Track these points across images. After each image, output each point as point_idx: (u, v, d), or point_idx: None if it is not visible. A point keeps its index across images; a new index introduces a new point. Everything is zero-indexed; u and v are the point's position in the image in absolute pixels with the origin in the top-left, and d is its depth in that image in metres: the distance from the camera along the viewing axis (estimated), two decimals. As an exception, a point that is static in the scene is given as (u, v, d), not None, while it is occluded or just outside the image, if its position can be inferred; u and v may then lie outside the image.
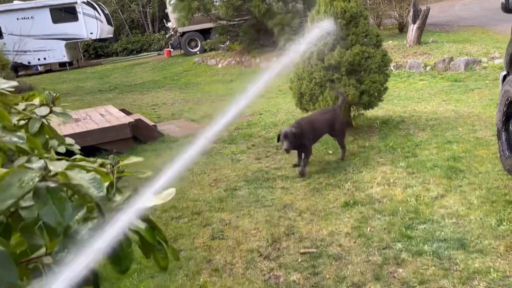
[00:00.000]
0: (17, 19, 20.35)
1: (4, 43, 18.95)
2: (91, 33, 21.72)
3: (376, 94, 5.87)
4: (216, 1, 15.79)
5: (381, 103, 6.41)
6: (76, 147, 1.92)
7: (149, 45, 25.94)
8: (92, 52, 26.80)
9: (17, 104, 1.77)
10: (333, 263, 3.17)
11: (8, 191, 1.05)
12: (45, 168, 1.10)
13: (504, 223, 3.40)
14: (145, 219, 1.24)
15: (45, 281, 1.32)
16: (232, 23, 16.42)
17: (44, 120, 1.77)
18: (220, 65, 15.93)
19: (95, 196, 1.12)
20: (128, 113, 8.02)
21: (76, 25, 21.39)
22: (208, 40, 17.58)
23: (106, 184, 1.28)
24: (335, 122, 5.20)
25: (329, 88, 5.76)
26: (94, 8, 21.37)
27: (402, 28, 14.60)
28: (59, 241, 1.20)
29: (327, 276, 3.02)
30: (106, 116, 7.26)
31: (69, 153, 1.62)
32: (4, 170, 1.27)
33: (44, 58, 21.53)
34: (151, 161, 5.76)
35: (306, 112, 6.31)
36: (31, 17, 20.47)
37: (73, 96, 13.26)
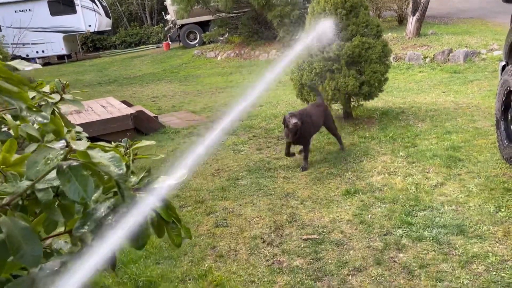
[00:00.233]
0: (15, 11, 20.26)
1: (3, 36, 18.89)
2: (90, 26, 21.64)
3: (376, 84, 5.91)
4: (215, -7, 15.77)
5: (381, 94, 6.46)
6: (84, 135, 1.97)
7: (147, 37, 25.84)
8: (90, 45, 26.69)
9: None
10: (335, 248, 3.24)
11: (34, 168, 1.10)
12: (68, 146, 1.14)
13: (502, 210, 3.47)
14: (161, 198, 1.29)
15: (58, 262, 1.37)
16: (231, 15, 16.40)
17: (54, 108, 1.82)
18: (219, 58, 15.93)
19: (115, 174, 1.17)
20: (129, 104, 8.06)
21: (74, 18, 21.30)
22: (207, 33, 17.55)
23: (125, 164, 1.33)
24: (327, 114, 5.25)
25: (329, 79, 5.81)
26: (92, 1, 21.27)
27: (401, 20, 14.61)
28: (79, 219, 1.26)
29: (329, 261, 3.09)
30: (108, 107, 7.30)
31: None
32: (17, 156, 1.33)
33: (43, 51, 21.46)
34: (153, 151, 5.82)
35: (306, 103, 6.36)
36: (29, 9, 20.38)
37: (73, 89, 13.12)
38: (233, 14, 16.33)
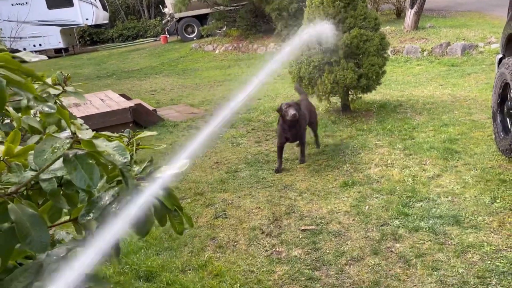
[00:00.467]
0: (12, 4, 20.14)
1: (0, 29, 18.80)
2: (87, 19, 21.54)
3: (374, 77, 5.94)
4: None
5: (379, 87, 6.49)
6: (85, 127, 2.00)
7: (145, 31, 25.74)
8: (87, 38, 26.58)
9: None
10: (332, 239, 3.29)
11: (41, 156, 1.13)
12: (74, 136, 1.18)
13: (498, 201, 3.52)
14: (164, 187, 1.33)
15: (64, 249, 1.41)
16: (229, 8, 16.34)
17: (57, 100, 1.85)
18: (217, 51, 15.91)
19: (120, 163, 1.20)
20: (128, 98, 8.07)
21: (72, 11, 21.19)
22: (205, 26, 17.49)
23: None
24: (314, 111, 5.27)
25: (327, 72, 5.84)
26: (89, -6, 21.18)
27: (399, 14, 14.59)
28: (84, 206, 1.29)
29: (327, 251, 3.14)
30: (106, 101, 7.31)
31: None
32: (20, 147, 1.36)
33: (40, 45, 21.37)
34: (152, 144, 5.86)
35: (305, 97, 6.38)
36: (26, 2, 20.26)
37: (71, 82, 13.22)
38: (231, 7, 16.28)
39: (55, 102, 1.87)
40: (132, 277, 3.03)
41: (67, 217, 1.48)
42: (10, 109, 1.58)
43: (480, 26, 11.59)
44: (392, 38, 11.05)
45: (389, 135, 5.32)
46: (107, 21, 24.08)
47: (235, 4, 16.04)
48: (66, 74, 2.00)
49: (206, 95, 9.19)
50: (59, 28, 21.21)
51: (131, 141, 1.57)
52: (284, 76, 9.68)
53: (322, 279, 2.84)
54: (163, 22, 22.77)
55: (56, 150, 1.14)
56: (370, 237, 3.25)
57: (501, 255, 2.88)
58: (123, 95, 8.14)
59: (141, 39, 24.82)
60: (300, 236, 3.37)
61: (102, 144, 1.20)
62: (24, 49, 21.48)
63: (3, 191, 1.16)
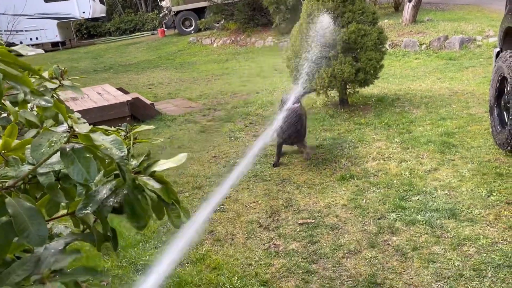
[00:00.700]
0: (8, -3, 20.00)
1: (-3, 22, 18.69)
2: (84, 12, 21.42)
3: (372, 71, 5.94)
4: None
5: (377, 81, 6.49)
6: (83, 121, 2.00)
7: (142, 24, 25.63)
8: (84, 31, 26.47)
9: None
10: (330, 232, 3.31)
11: (39, 150, 1.13)
12: (71, 129, 1.18)
13: (494, 194, 3.54)
14: (160, 180, 1.33)
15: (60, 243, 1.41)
16: (227, 1, 16.28)
17: (54, 94, 1.84)
18: (215, 45, 15.86)
19: (117, 157, 1.20)
20: (125, 92, 8.06)
21: (68, 4, 21.07)
22: (203, 19, 17.43)
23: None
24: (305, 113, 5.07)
25: (325, 66, 5.83)
26: (86, -13, 21.04)
27: (397, 7, 14.56)
28: (82, 200, 1.30)
29: (325, 244, 3.16)
30: (104, 95, 7.30)
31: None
32: (17, 141, 1.36)
33: (36, 38, 21.26)
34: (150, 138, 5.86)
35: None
36: (23, -5, 20.13)
37: (69, 76, 13.18)
38: (229, 1, 16.21)
39: (52, 96, 1.87)
40: (130, 270, 3.04)
41: (65, 211, 1.48)
42: (7, 103, 1.57)
43: (478, 19, 11.58)
44: (390, 32, 11.03)
45: (387, 129, 5.33)
46: (104, 15, 23.95)
47: (233, -3, 15.98)
48: (63, 68, 2.00)
49: (203, 89, 9.17)
50: (56, 21, 21.10)
51: (128, 135, 1.57)
52: (282, 70, 9.67)
53: (319, 272, 2.86)
54: (161, 15, 22.67)
55: (53, 144, 1.14)
56: (367, 230, 3.27)
57: (497, 248, 2.90)
58: (120, 89, 8.12)
59: (139, 33, 24.72)
60: (298, 230, 3.39)
61: (99, 138, 1.20)
62: (21, 42, 21.35)
63: (0, 185, 1.16)
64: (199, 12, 19.24)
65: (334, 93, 6.53)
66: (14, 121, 1.54)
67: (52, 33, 21.30)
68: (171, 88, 9.70)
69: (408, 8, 11.79)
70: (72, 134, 1.19)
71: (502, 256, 2.79)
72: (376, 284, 2.69)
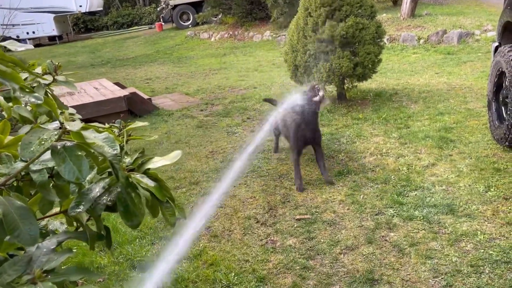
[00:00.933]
0: (4, -9, 19.83)
1: (-7, 16, 18.54)
2: (81, 6, 21.27)
3: (370, 66, 5.91)
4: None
5: (375, 76, 6.47)
6: (78, 116, 1.97)
7: (140, 18, 25.47)
8: (81, 25, 26.30)
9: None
10: (327, 228, 3.30)
11: (28, 148, 1.10)
12: (62, 127, 1.15)
13: (492, 189, 3.53)
14: (154, 178, 1.31)
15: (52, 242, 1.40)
16: (224, -5, 16.17)
17: (47, 89, 1.82)
18: (213, 39, 15.79)
19: (109, 155, 1.18)
20: (122, 86, 8.01)
21: (65, -2, 20.94)
22: (201, 13, 17.32)
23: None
24: None
25: (323, 60, 5.80)
26: (83, -20, 20.88)
27: (396, 1, 14.49)
28: (74, 198, 1.27)
29: (322, 240, 3.15)
30: (101, 89, 7.25)
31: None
32: (11, 138, 1.34)
33: (33, 32, 21.12)
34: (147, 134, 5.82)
35: (300, 85, 6.35)
36: (19, -11, 19.96)
37: (65, 70, 13.05)
38: (227, -5, 16.11)
39: (46, 92, 1.84)
40: (127, 267, 3.03)
41: (60, 208, 1.46)
42: (1, 98, 1.55)
43: (477, 13, 11.54)
44: (389, 26, 10.99)
45: (385, 124, 5.31)
46: (101, 8, 23.79)
47: (231, -9, 15.87)
48: (57, 63, 1.97)
49: (201, 84, 9.13)
50: (53, 15, 20.95)
51: (122, 132, 1.54)
52: (280, 65, 9.63)
53: (317, 268, 2.85)
54: (158, 9, 22.53)
55: (43, 142, 1.12)
56: (364, 226, 3.26)
57: (494, 243, 2.89)
58: (117, 84, 8.08)
59: (136, 27, 24.58)
60: (295, 225, 3.37)
61: (91, 136, 1.17)
62: (18, 36, 21.22)
63: (-9, 183, 1.13)
64: (197, 6, 19.13)
65: (332, 88, 6.50)
66: (7, 117, 1.51)
67: (49, 27, 21.16)
68: (169, 83, 9.65)
69: (406, 2, 11.73)
70: (64, 132, 1.16)
71: (500, 252, 2.79)
72: (373, 280, 2.68)
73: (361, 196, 3.69)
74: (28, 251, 1.23)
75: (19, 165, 1.25)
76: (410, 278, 2.66)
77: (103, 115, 6.28)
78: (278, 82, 8.37)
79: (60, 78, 1.89)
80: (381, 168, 4.16)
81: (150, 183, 1.29)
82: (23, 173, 1.34)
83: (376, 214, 3.40)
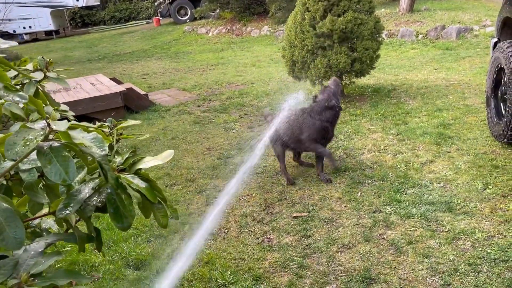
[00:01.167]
0: (0, -15, 19.66)
1: (-12, 11, 18.38)
2: (77, 1, 21.12)
3: (368, 61, 5.87)
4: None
5: (373, 72, 6.43)
6: (71, 113, 1.93)
7: (137, 13, 25.32)
8: (78, 20, 26.12)
9: (9, 70, 1.77)
10: (324, 226, 3.27)
11: (13, 149, 1.06)
12: (48, 127, 1.11)
13: (490, 187, 3.51)
14: (146, 179, 1.28)
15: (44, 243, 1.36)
16: (222, -10, 16.06)
17: (38, 86, 1.77)
18: (210, 34, 15.70)
19: (97, 155, 1.14)
20: (119, 82, 7.95)
21: (62, -8, 20.79)
22: (198, 8, 17.21)
23: (107, 144, 1.30)
24: None
25: (321, 56, 5.76)
26: (80, -26, 20.72)
27: (394, -4, 14.41)
28: (62, 200, 1.24)
29: (319, 238, 3.13)
30: (97, 85, 7.19)
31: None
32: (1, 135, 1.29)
33: (30, 27, 20.98)
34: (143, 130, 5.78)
35: (298, 81, 6.31)
36: (15, -17, 19.79)
37: (61, 65, 13.04)
38: (225, -11, 16.00)
39: (37, 88, 1.80)
40: (122, 265, 3.00)
41: (48, 209, 1.43)
42: (-10, 95, 1.50)
43: (476, 8, 11.49)
44: (387, 21, 10.94)
45: (383, 120, 5.28)
46: (98, 3, 23.63)
47: (229, -14, 15.76)
48: (48, 59, 1.92)
49: (198, 79, 9.08)
50: (49, 9, 20.80)
51: (112, 130, 1.50)
52: (278, 60, 9.58)
53: (313, 267, 2.83)
54: (156, 4, 22.39)
55: (28, 143, 1.08)
56: (361, 224, 3.23)
57: (492, 242, 2.87)
58: (114, 79, 8.02)
59: (134, 21, 24.43)
60: (292, 223, 3.35)
61: (78, 136, 1.14)
62: (14, 31, 21.09)
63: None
64: (195, 1, 19.01)
65: (330, 84, 6.45)
66: (-2, 114, 1.47)
67: (45, 22, 21.02)
68: (166, 78, 9.59)
69: (405, -3, 11.67)
70: (50, 132, 1.12)
71: (498, 250, 2.76)
72: (370, 279, 2.66)
73: (359, 194, 3.67)
74: (15, 254, 1.20)
75: (8, 164, 1.21)
76: (407, 277, 2.64)
77: (99, 111, 6.23)
78: (276, 78, 8.32)
79: (51, 74, 1.85)
80: (378, 165, 4.13)
81: (141, 184, 1.25)
82: (12, 172, 1.30)
83: (373, 212, 3.38)
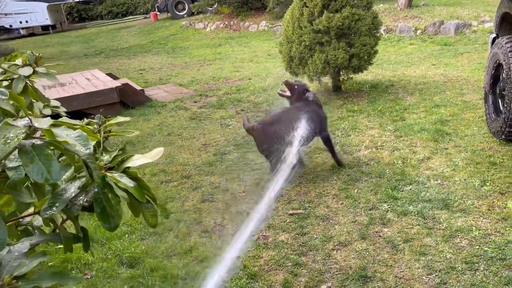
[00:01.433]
0: (-4, -21, 19.53)
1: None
2: (74, -5, 21.02)
3: (366, 57, 5.83)
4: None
5: (371, 67, 6.39)
6: (62, 109, 1.89)
7: (134, 8, 25.18)
8: (75, 15, 25.98)
9: (-2, 66, 1.73)
10: (320, 223, 3.24)
11: (-8, 147, 1.02)
12: (30, 125, 1.07)
13: (487, 184, 3.48)
14: (134, 177, 1.24)
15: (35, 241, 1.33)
16: (220, -15, 15.96)
17: (27, 81, 1.73)
18: (208, 29, 15.61)
19: (82, 154, 1.10)
20: (115, 77, 7.89)
21: (58, -14, 20.65)
22: (196, 3, 17.12)
23: (93, 142, 1.26)
24: None
25: (318, 52, 5.71)
26: (77, -32, 20.57)
27: (393, -9, 14.34)
28: (48, 199, 1.20)
29: (315, 236, 3.10)
30: (93, 80, 7.13)
31: (55, 117, 1.60)
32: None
33: (26, 21, 20.85)
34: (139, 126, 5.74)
35: (295, 76, 6.27)
36: (11, -23, 19.66)
37: (58, 60, 12.95)
38: (222, -16, 15.90)
39: (26, 84, 1.76)
40: (115, 263, 2.96)
41: (33, 208, 1.39)
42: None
43: (474, 4, 11.43)
44: (386, 17, 10.88)
45: (380, 116, 5.24)
46: (95, -3, 23.51)
47: (226, -19, 15.66)
48: (38, 54, 1.88)
49: (195, 75, 9.02)
50: (46, 4, 20.68)
51: (100, 128, 1.46)
52: (275, 55, 9.52)
53: (309, 265, 2.80)
54: (153, -2, 22.27)
55: (9, 141, 1.04)
56: (358, 221, 3.21)
57: (489, 239, 2.84)
58: (109, 75, 7.95)
59: (131, 16, 24.31)
60: (288, 221, 3.31)
61: (62, 134, 1.10)
62: (10, 26, 20.96)
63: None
64: (192, -4, 18.91)
65: (327, 80, 6.41)
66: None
67: (42, 16, 20.89)
68: (162, 74, 9.53)
69: (403, -8, 11.60)
70: (34, 130, 1.08)
71: (495, 248, 2.74)
72: (366, 277, 2.63)
73: (355, 191, 3.63)
74: (-2, 255, 1.16)
75: (-10, 162, 1.17)
76: (403, 275, 2.61)
77: (94, 106, 6.17)
78: (273, 73, 8.27)
79: (40, 69, 1.80)
80: (376, 162, 4.09)
81: (129, 183, 1.21)
82: (-1, 170, 1.26)
83: (370, 209, 3.35)
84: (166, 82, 8.59)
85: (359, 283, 2.60)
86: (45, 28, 21.90)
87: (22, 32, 21.57)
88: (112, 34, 18.38)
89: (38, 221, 1.53)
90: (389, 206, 3.35)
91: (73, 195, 1.22)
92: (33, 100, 1.78)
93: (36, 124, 1.08)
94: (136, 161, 1.29)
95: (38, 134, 1.12)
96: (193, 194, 3.87)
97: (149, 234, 3.28)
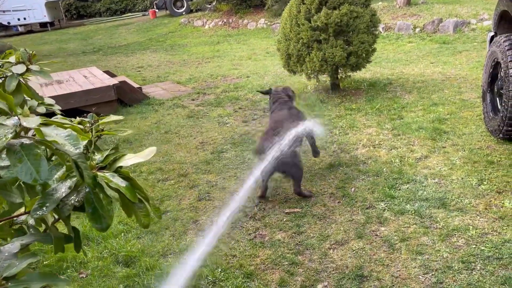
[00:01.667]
0: (-6, -24, 19.41)
1: (-19, 2, 18.16)
2: (72, -8, 20.93)
3: (364, 55, 5.81)
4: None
5: (369, 65, 6.37)
6: (57, 107, 1.87)
7: (133, 5, 25.08)
8: (74, 12, 25.87)
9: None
10: (317, 222, 3.23)
11: (-21, 147, 1.01)
12: (19, 124, 1.06)
13: (485, 183, 3.47)
14: (126, 177, 1.22)
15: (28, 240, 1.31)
16: (219, -18, 15.91)
17: (21, 79, 1.71)
18: (206, 26, 15.56)
19: (72, 154, 1.09)
20: (112, 75, 7.86)
21: (56, -17, 20.57)
22: (194, 0, 17.07)
23: (84, 142, 1.25)
24: None
25: (316, 49, 5.69)
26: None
27: (392, -11, 14.31)
28: (38, 199, 1.18)
29: (311, 234, 3.08)
30: (90, 78, 7.10)
31: (50, 115, 1.58)
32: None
33: (24, 18, 20.77)
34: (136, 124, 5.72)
35: (293, 74, 6.25)
36: (8, -26, 19.55)
37: (56, 57, 12.91)
38: (221, -19, 15.84)
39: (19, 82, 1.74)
40: (111, 262, 2.95)
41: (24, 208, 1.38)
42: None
43: (473, 2, 11.41)
44: (384, 14, 10.86)
45: (378, 115, 5.23)
46: (93, -6, 23.42)
47: (225, -22, 15.61)
48: (31, 52, 1.86)
49: (193, 72, 8.99)
50: (44, 1, 20.58)
51: (92, 127, 1.45)
52: (274, 53, 9.49)
53: (305, 264, 2.79)
54: (152, -5, 22.19)
55: (-2, 140, 1.02)
56: (355, 220, 3.20)
57: (486, 239, 2.84)
58: (107, 72, 7.93)
59: (129, 14, 24.22)
60: (284, 219, 3.30)
61: (52, 133, 1.08)
62: (9, 23, 20.88)
63: None
64: (191, -7, 18.84)
65: (325, 77, 6.40)
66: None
67: (40, 13, 20.79)
68: (160, 71, 9.50)
69: (402, -10, 11.57)
70: (22, 129, 1.07)
71: (492, 247, 2.73)
72: (362, 276, 2.62)
73: (352, 189, 3.62)
74: (-11, 255, 1.15)
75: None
76: (400, 275, 2.60)
77: (91, 104, 6.15)
78: (271, 71, 8.24)
79: (34, 67, 1.78)
80: (373, 160, 4.08)
81: (121, 183, 1.20)
82: (-9, 169, 1.24)
83: (367, 208, 3.34)
84: (164, 79, 8.57)
85: (356, 282, 2.59)
86: (43, 25, 21.82)
87: (20, 29, 21.49)
88: (111, 32, 18.32)
89: (32, 219, 1.52)
90: (386, 205, 3.34)
91: (64, 195, 1.20)
92: (28, 98, 1.76)
93: (24, 123, 1.06)
94: (128, 160, 1.27)
95: (31, 133, 1.11)
96: (190, 193, 3.85)
97: (145, 232, 3.27)
